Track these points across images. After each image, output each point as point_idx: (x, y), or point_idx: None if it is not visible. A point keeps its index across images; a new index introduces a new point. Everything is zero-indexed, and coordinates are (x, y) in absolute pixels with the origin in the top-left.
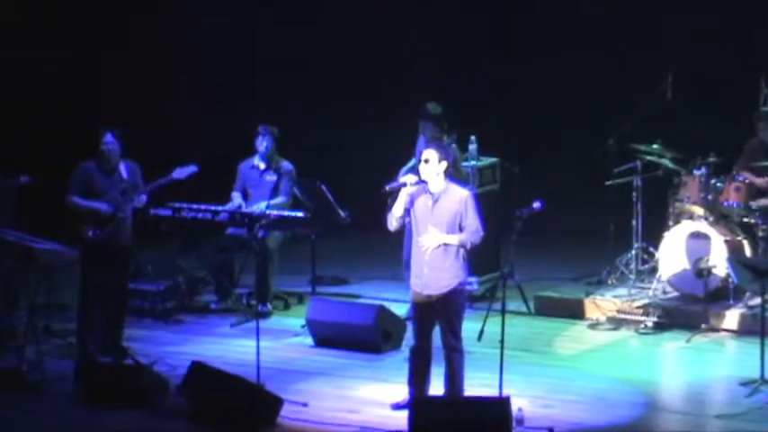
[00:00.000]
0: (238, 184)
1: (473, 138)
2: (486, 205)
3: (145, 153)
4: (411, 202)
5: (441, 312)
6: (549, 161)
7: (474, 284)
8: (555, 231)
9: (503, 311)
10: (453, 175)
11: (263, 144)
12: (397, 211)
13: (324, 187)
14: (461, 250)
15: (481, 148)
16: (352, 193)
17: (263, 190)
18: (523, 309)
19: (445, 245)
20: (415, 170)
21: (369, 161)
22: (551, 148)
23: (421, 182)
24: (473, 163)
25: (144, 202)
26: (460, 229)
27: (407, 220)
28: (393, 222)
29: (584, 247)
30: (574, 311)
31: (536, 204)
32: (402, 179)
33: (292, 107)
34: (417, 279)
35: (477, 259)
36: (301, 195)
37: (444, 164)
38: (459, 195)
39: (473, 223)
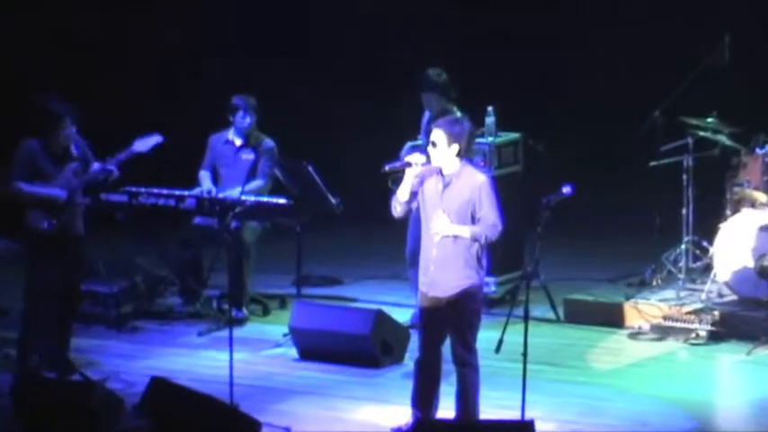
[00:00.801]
0: (208, 160)
1: (490, 109)
2: (505, 190)
3: (94, 126)
4: (420, 184)
5: (450, 319)
6: (581, 137)
7: (491, 286)
8: (589, 222)
9: (525, 318)
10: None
11: (245, 120)
12: (402, 194)
13: (311, 169)
14: (475, 246)
15: (500, 121)
16: (346, 175)
17: (238, 170)
18: (551, 315)
19: (455, 237)
20: (420, 149)
21: (366, 138)
22: (584, 122)
23: (428, 163)
24: (490, 139)
25: (116, 175)
26: (473, 222)
27: (415, 205)
28: (398, 207)
29: (623, 242)
30: (611, 318)
31: (566, 189)
32: (407, 158)
33: (275, 70)
34: (424, 277)
35: (495, 256)
36: (284, 178)
37: (456, 146)
38: (474, 181)
39: (489, 215)
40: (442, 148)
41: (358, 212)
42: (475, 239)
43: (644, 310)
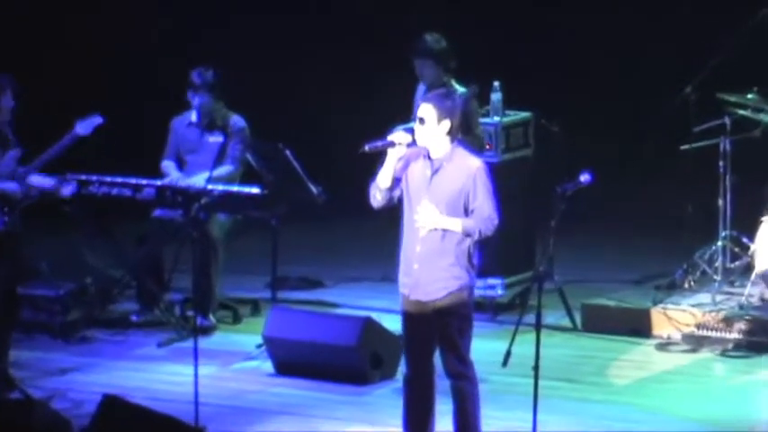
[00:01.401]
0: (171, 148)
1: (496, 84)
2: (514, 178)
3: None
4: (404, 168)
5: (437, 327)
6: (602, 117)
7: (498, 289)
8: (610, 215)
9: (537, 326)
10: (468, 140)
11: (197, 98)
12: (382, 179)
13: (288, 153)
14: (467, 241)
15: (508, 98)
16: (329, 161)
17: (204, 156)
18: (566, 322)
19: (444, 232)
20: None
21: (353, 118)
22: (604, 99)
23: (415, 144)
24: (497, 119)
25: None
26: (466, 214)
27: (397, 193)
28: (377, 195)
29: (650, 237)
30: (636, 326)
31: (584, 177)
32: (390, 137)
33: (249, 40)
34: (406, 278)
35: (501, 254)
36: (257, 163)
37: (447, 123)
38: (468, 166)
39: (485, 206)
40: (431, 126)
41: (344, 203)
42: (467, 234)
43: (674, 316)
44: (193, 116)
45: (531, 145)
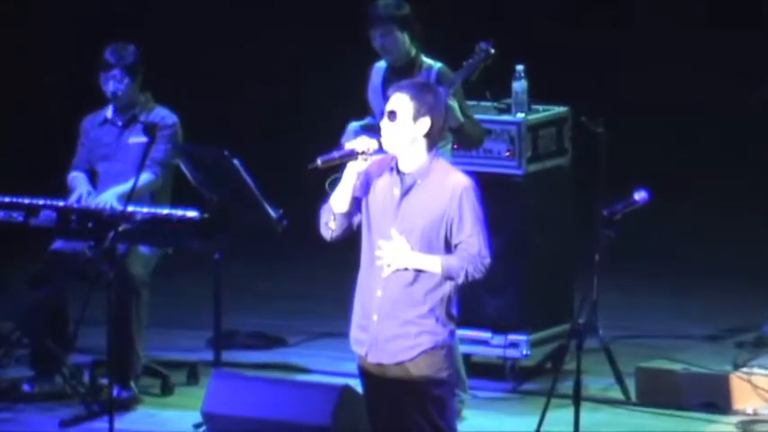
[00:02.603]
0: (80, 155)
1: (520, 68)
2: (543, 196)
3: None
4: (365, 187)
5: (407, 402)
6: (661, 115)
7: (522, 348)
8: (674, 247)
9: (576, 398)
10: (463, 126)
11: (112, 84)
12: (336, 202)
13: (237, 162)
14: (446, 287)
15: (536, 87)
16: (294, 173)
17: (123, 163)
18: (616, 392)
19: (416, 272)
20: (373, 133)
21: (337, 113)
22: (665, 92)
23: (382, 151)
24: (520, 116)
25: None
26: (447, 249)
27: (357, 220)
28: (329, 223)
29: (728, 278)
30: (711, 397)
31: (639, 195)
32: (348, 145)
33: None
34: (361, 332)
35: (527, 300)
36: (194, 178)
37: (426, 122)
38: (451, 185)
39: (473, 240)
40: (405, 124)
41: (313, 232)
42: (448, 277)
43: (762, 385)
44: (109, 111)
45: (568, 151)
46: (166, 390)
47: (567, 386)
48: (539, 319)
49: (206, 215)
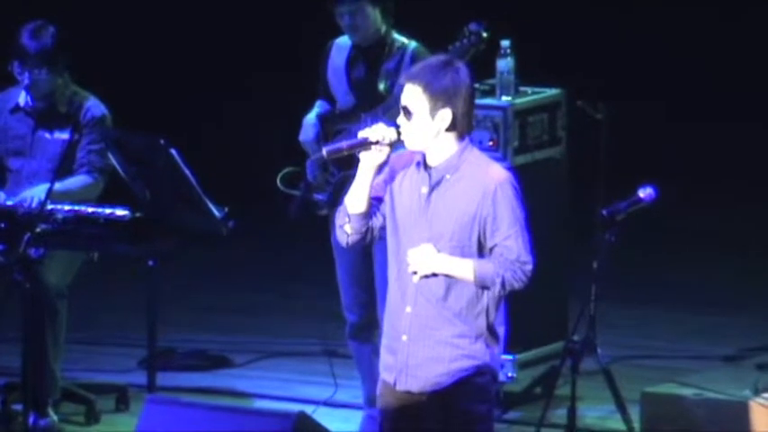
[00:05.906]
0: None
1: (506, 44)
2: (533, 192)
3: None
4: (389, 183)
5: None
6: (671, 99)
7: (508, 370)
8: (685, 252)
9: (570, 429)
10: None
11: (24, 75)
12: (351, 202)
13: (175, 152)
14: (484, 298)
15: (525, 66)
16: (243, 166)
17: (40, 161)
18: (617, 421)
19: (447, 280)
20: (358, 126)
21: (277, 105)
22: (677, 73)
23: (401, 144)
24: (506, 99)
25: None
26: (481, 253)
27: (379, 222)
28: (346, 227)
29: (747, 290)
30: (727, 427)
31: (644, 193)
32: (361, 133)
33: None
34: (390, 355)
35: (513, 316)
36: (125, 171)
37: (447, 114)
38: (485, 179)
39: (512, 242)
40: (422, 120)
41: (265, 234)
42: (483, 285)
43: None
44: (21, 97)
45: (562, 141)
46: (91, 417)
47: (559, 414)
48: (527, 336)
49: (138, 215)
